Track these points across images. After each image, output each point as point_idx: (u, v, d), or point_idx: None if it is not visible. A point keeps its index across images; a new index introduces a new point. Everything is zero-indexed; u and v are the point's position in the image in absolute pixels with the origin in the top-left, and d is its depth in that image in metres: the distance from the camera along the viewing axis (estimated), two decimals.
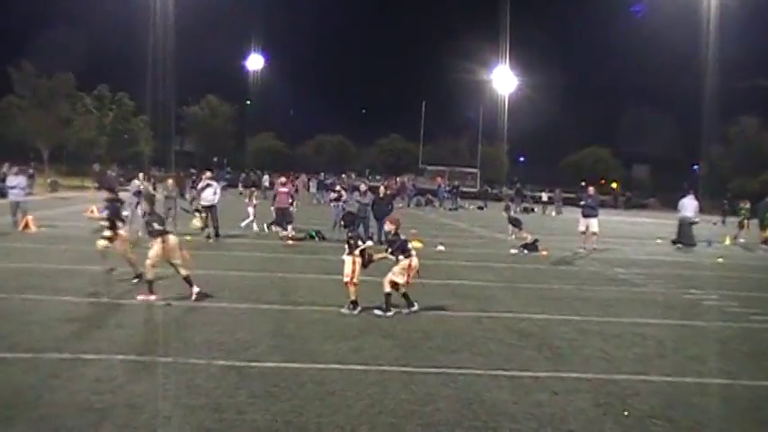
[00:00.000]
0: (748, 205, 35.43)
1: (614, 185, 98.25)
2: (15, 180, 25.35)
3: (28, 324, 10.80)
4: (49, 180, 55.24)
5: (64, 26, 73.86)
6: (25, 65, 62.96)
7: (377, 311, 12.73)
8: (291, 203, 25.60)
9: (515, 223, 28.59)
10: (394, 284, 12.95)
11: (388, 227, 13.79)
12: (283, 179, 27.13)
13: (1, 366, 8.67)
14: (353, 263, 12.91)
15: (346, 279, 12.92)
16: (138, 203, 24.23)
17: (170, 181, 27.48)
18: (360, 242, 13.23)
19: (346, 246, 13.14)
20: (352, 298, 12.92)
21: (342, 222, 17.80)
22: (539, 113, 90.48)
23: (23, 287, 13.64)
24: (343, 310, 12.82)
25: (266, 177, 61.13)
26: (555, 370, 9.80)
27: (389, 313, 12.69)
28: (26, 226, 23.81)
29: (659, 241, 31.89)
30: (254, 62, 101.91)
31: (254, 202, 29.03)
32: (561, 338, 11.68)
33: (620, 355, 10.85)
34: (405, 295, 13.13)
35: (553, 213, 53.88)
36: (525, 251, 24.68)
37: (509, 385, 9.01)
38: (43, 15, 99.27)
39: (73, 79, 67.20)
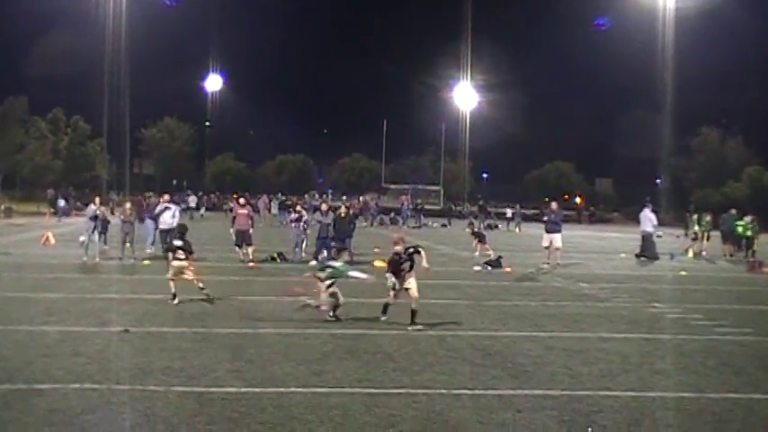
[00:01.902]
0: (709, 218, 35.73)
1: (578, 200, 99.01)
2: None
3: None
4: (2, 206, 54.30)
5: (16, 48, 73.06)
6: None
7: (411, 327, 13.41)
8: (251, 225, 25.28)
9: (480, 237, 28.62)
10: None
11: (397, 248, 14.03)
12: (242, 200, 26.86)
13: None
14: None
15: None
16: (95, 228, 23.84)
17: (128, 205, 27.10)
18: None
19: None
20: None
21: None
22: (501, 129, 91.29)
23: None
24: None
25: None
26: (519, 388, 9.71)
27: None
28: None
29: (623, 255, 32.09)
30: (213, 83, 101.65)
31: None
32: (526, 356, 11.61)
33: (584, 371, 10.79)
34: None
35: (516, 230, 54.07)
36: (489, 268, 24.68)
37: (473, 404, 8.90)
38: None
39: (26, 103, 66.39)
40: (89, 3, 66.48)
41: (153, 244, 25.89)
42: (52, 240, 29.55)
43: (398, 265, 13.68)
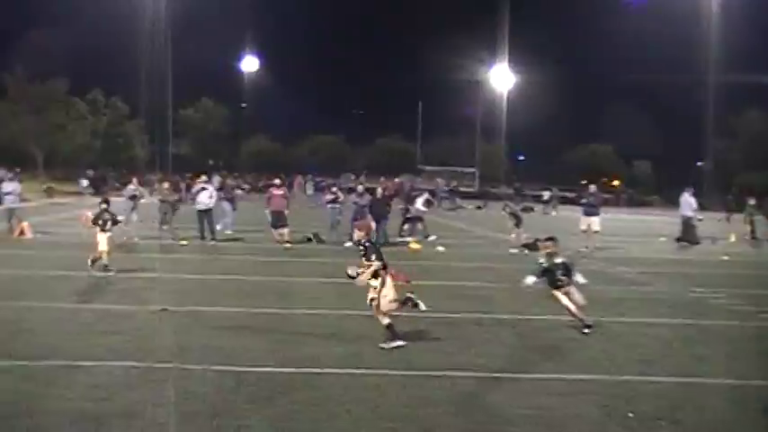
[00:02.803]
0: (753, 201, 34.91)
1: (616, 183, 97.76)
2: (10, 186, 25.13)
3: (23, 331, 10.66)
4: (44, 186, 55.01)
5: (57, 31, 73.58)
6: (18, 70, 62.75)
7: (386, 345, 10.50)
8: (287, 206, 25.27)
9: (516, 219, 28.41)
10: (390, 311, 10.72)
11: (357, 234, 11.63)
12: (278, 181, 26.87)
13: None
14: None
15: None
16: (133, 208, 24.03)
17: (165, 184, 27.28)
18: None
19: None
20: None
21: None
22: (538, 111, 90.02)
23: (19, 294, 13.50)
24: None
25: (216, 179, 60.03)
26: (557, 372, 9.62)
27: (401, 342, 10.57)
28: (21, 232, 23.61)
29: (663, 239, 31.63)
30: (249, 64, 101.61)
31: None
32: (564, 339, 11.49)
33: (624, 355, 10.67)
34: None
35: (553, 212, 53.66)
36: (526, 251, 24.49)
37: (510, 388, 8.84)
38: (36, 20, 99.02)
39: (66, 84, 67.04)
40: None
41: (232, 225, 26.32)
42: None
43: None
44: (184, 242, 23.22)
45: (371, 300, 10.59)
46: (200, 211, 24.57)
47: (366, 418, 7.61)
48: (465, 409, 8.02)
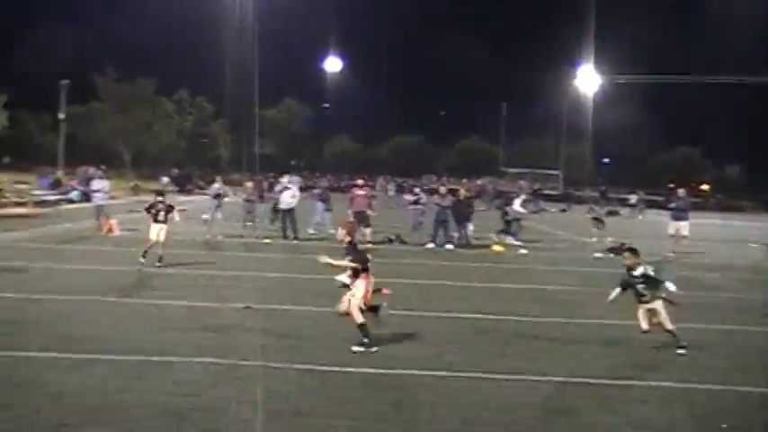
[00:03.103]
0: None
1: (705, 187, 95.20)
2: (99, 184, 25.82)
3: (111, 326, 10.92)
4: (130, 184, 56.48)
5: (145, 32, 75.51)
6: (108, 71, 64.49)
7: (356, 348, 10.08)
8: (370, 207, 25.33)
9: (599, 222, 27.94)
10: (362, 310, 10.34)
11: (339, 233, 11.04)
12: (360, 181, 26.97)
13: (86, 368, 8.71)
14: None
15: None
16: (217, 206, 24.42)
17: (249, 184, 27.66)
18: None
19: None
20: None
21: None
22: (624, 113, 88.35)
23: (106, 290, 13.80)
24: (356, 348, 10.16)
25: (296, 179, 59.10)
26: (645, 378, 9.39)
27: (374, 348, 10.12)
28: (109, 229, 24.21)
29: (754, 245, 30.61)
30: (332, 64, 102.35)
31: None
32: (652, 346, 11.19)
33: (715, 363, 10.37)
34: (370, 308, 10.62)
35: (640, 216, 52.53)
36: (611, 255, 24.01)
37: (596, 393, 8.67)
38: (125, 22, 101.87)
39: (154, 84, 68.67)
40: None
41: (320, 223, 26.50)
42: (177, 217, 30.42)
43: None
44: (268, 240, 23.50)
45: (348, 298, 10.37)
46: (283, 210, 24.84)
47: (451, 421, 7.55)
48: (550, 413, 7.90)
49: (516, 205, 27.15)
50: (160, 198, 18.37)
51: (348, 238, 10.71)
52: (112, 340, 10.08)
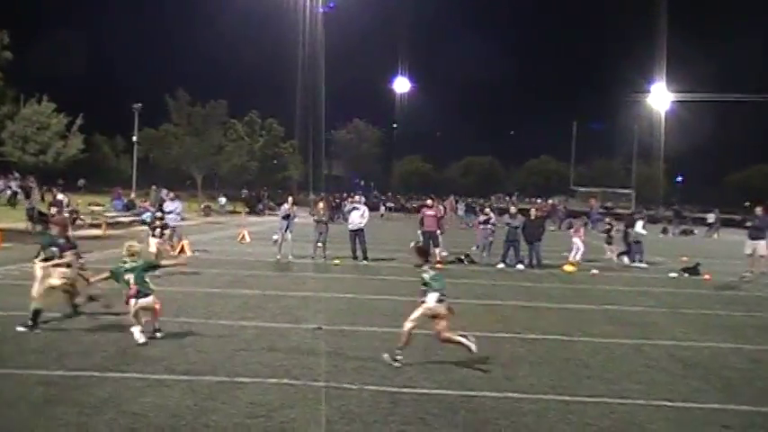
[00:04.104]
0: None
1: None
2: (172, 205, 26.28)
3: (184, 347, 11.05)
4: (201, 205, 57.42)
5: (217, 56, 76.87)
6: (180, 93, 65.79)
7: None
8: (439, 227, 25.26)
9: (609, 238, 27.62)
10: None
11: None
12: (429, 202, 26.94)
13: (159, 388, 8.84)
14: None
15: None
16: (287, 227, 24.60)
17: (320, 204, 27.84)
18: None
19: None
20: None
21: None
22: (697, 130, 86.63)
23: (179, 310, 13.94)
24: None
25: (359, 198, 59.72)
26: (725, 402, 9.13)
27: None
28: (182, 250, 24.59)
29: None
30: (401, 85, 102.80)
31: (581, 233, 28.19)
32: (731, 368, 10.90)
33: None
34: None
35: (714, 236, 51.29)
36: (686, 275, 23.51)
37: (674, 417, 8.47)
38: (197, 46, 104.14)
39: (225, 106, 69.77)
40: (283, 10, 69.18)
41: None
42: (248, 238, 30.90)
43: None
44: (337, 262, 23.60)
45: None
46: (351, 231, 24.92)
47: None
48: None
49: (639, 227, 26.71)
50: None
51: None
52: (186, 360, 10.21)
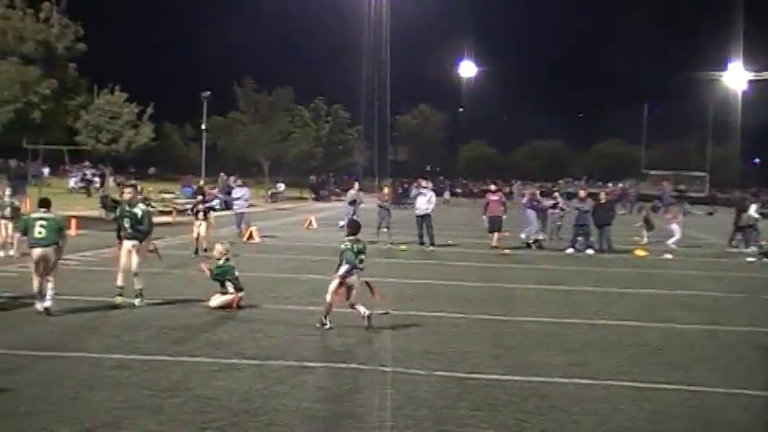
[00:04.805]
0: None
1: None
2: (240, 192, 26.57)
3: (253, 332, 11.11)
4: (269, 192, 57.98)
5: (282, 43, 77.22)
6: (247, 81, 66.39)
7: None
8: (503, 212, 24.97)
9: (647, 224, 26.99)
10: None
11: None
12: (493, 187, 26.74)
13: (229, 372, 8.90)
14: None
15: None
16: (353, 213, 24.63)
17: (385, 190, 27.86)
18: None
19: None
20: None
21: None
22: None
23: (248, 295, 13.47)
24: None
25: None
26: None
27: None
28: (250, 236, 24.84)
29: None
30: (467, 69, 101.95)
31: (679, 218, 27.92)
32: None
33: None
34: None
35: None
36: (765, 259, 22.85)
37: (752, 406, 8.22)
38: (264, 33, 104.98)
39: (291, 93, 70.12)
40: None
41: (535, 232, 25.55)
42: (314, 224, 31.07)
43: None
44: (404, 247, 23.55)
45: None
46: (418, 216, 24.84)
47: (596, 430, 7.32)
48: (702, 426, 7.54)
49: (752, 211, 26.08)
50: (200, 197, 22.35)
51: None
52: (255, 345, 10.27)
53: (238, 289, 12.83)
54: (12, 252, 17.97)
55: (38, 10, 30.65)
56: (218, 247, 13.37)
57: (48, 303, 11.64)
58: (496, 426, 7.32)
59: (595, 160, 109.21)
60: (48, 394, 7.79)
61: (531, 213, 25.45)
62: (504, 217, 24.65)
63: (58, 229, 11.99)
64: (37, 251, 11.83)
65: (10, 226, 17.94)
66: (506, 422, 7.43)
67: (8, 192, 19.28)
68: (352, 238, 11.75)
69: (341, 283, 11.38)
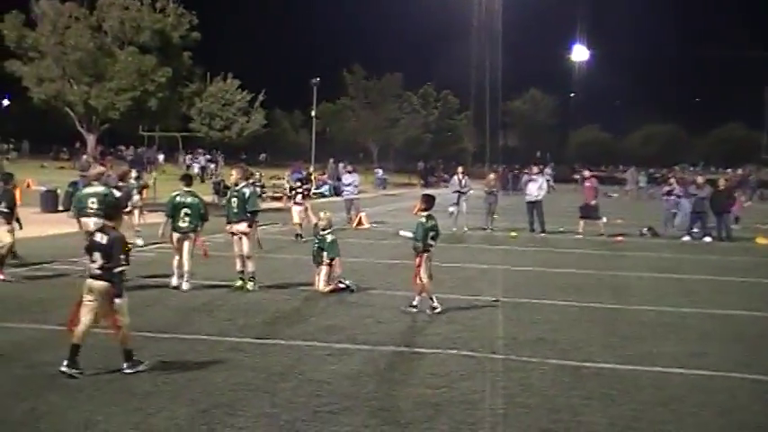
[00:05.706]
0: None
1: None
2: (350, 178, 26.77)
3: (363, 317, 11.20)
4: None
5: (391, 29, 77.34)
6: (356, 68, 66.90)
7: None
8: (596, 197, 24.35)
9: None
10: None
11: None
12: (587, 173, 26.22)
13: (341, 357, 9.01)
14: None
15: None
16: (459, 199, 24.48)
17: (491, 176, 27.63)
18: None
19: None
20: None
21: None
22: None
23: (359, 281, 13.70)
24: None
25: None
26: None
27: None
28: (359, 222, 25.02)
29: None
30: (579, 53, 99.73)
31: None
32: None
33: None
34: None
35: None
36: None
37: None
38: (373, 20, 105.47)
39: (400, 79, 70.27)
40: None
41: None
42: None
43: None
44: (514, 234, 23.33)
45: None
46: (528, 202, 24.58)
47: (715, 423, 7.13)
48: None
49: None
50: (299, 183, 22.68)
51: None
52: (366, 331, 10.34)
53: (332, 259, 13.09)
54: (139, 242, 17.58)
55: (155, 0, 31.57)
56: (324, 216, 13.78)
57: (185, 286, 12.68)
58: (611, 416, 7.20)
59: (713, 145, 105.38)
60: (165, 375, 8.05)
61: (685, 203, 24.74)
62: (594, 203, 23.92)
63: (199, 216, 12.89)
64: (176, 236, 12.86)
65: (136, 212, 18.36)
66: (622, 412, 7.29)
67: (134, 174, 20.03)
68: (425, 213, 11.82)
69: (420, 261, 11.49)
